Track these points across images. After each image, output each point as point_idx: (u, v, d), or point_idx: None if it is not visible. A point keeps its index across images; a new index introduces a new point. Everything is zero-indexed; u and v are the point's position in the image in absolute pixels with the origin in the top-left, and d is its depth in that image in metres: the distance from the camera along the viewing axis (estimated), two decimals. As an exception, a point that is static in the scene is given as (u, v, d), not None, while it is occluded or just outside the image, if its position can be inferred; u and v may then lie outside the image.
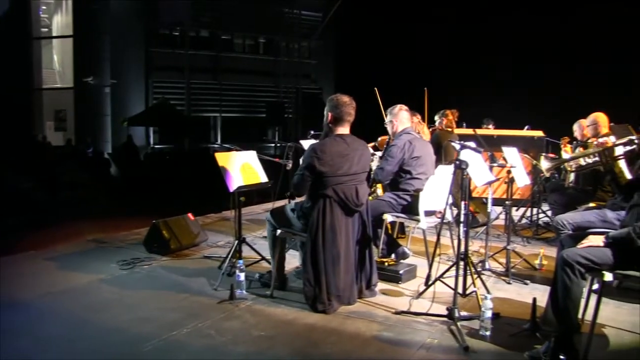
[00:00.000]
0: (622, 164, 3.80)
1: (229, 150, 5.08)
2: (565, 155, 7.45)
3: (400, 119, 5.37)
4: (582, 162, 5.03)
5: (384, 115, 5.70)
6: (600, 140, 4.00)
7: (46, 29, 23.02)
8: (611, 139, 3.96)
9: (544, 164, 6.36)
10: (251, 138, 21.13)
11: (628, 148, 3.85)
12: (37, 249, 6.63)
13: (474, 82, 17.20)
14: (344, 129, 4.32)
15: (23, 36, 21.71)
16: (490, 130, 10.26)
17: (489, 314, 3.77)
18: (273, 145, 22.03)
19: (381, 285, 4.74)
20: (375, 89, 7.19)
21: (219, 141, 22.43)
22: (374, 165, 5.42)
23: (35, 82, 22.25)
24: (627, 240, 3.32)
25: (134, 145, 18.57)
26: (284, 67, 23.49)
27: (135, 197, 13.13)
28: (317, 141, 4.46)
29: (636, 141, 3.95)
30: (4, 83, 21.40)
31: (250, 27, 23.24)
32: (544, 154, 7.31)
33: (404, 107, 5.44)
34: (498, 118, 11.20)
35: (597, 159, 4.03)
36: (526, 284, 4.95)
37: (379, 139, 6.78)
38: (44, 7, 22.72)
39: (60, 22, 22.58)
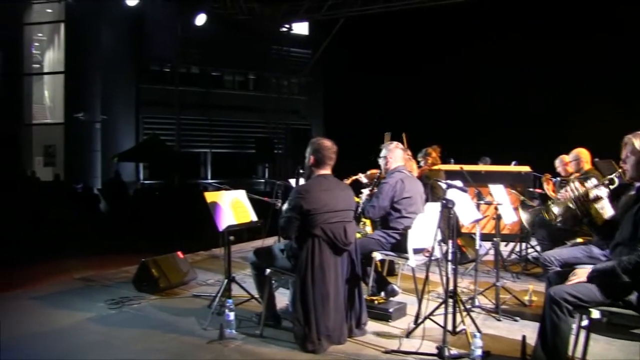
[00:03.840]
0: (599, 204, 3.85)
1: (219, 189, 5.10)
2: (548, 190, 7.51)
3: (395, 156, 5.41)
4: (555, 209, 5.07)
5: (409, 155, 5.69)
6: (574, 185, 4.06)
7: (38, 65, 23.13)
8: (591, 182, 4.01)
9: (524, 216, 6.41)
10: (241, 174, 21.24)
11: (603, 190, 3.90)
12: (21, 287, 6.55)
13: (461, 118, 17.45)
14: (326, 171, 4.40)
15: (15, 72, 21.83)
16: (477, 166, 10.36)
17: (479, 352, 3.77)
18: (263, 181, 22.13)
19: (371, 324, 4.73)
20: (404, 134, 7.21)
21: (209, 177, 22.44)
22: (363, 198, 5.43)
23: (25, 117, 22.27)
24: (611, 275, 3.34)
25: (121, 180, 18.51)
26: (274, 103, 23.65)
27: (124, 234, 13.04)
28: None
29: (606, 182, 4.02)
30: (2, 118, 21.52)
31: (240, 63, 23.46)
32: (522, 198, 7.38)
33: (400, 145, 5.50)
34: (482, 153, 11.33)
35: (571, 205, 4.08)
36: (516, 320, 4.96)
37: (369, 171, 6.81)
38: (36, 44, 22.87)
39: (52, 58, 22.70)
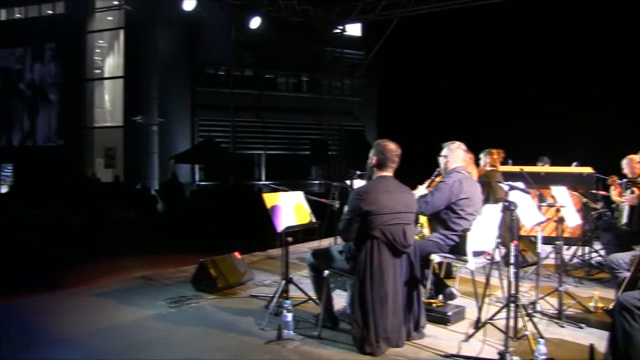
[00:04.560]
0: None
1: (275, 190, 5.12)
2: (614, 195, 7.24)
3: (455, 156, 5.29)
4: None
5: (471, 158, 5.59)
6: None
7: (99, 71, 23.91)
8: None
9: None
10: (295, 175, 21.36)
11: None
12: (84, 284, 6.77)
13: (518, 117, 17.04)
14: (387, 173, 4.37)
15: (78, 78, 22.64)
16: (537, 168, 10.08)
17: (542, 358, 3.65)
18: (317, 183, 22.19)
19: (429, 327, 4.65)
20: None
21: (263, 178, 22.63)
22: (418, 194, 5.34)
23: (87, 121, 23.06)
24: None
25: (178, 182, 18.89)
26: (327, 105, 23.69)
27: (181, 234, 13.30)
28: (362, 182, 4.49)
29: None
30: (62, 122, 22.38)
31: (293, 66, 23.62)
32: (584, 200, 7.13)
33: (462, 145, 5.38)
34: (541, 154, 11.02)
35: None
36: (581, 327, 4.78)
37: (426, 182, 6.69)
38: (97, 50, 23.66)
39: (112, 63, 23.46)
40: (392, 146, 4.37)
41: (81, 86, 22.89)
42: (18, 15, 24.26)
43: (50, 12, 23.34)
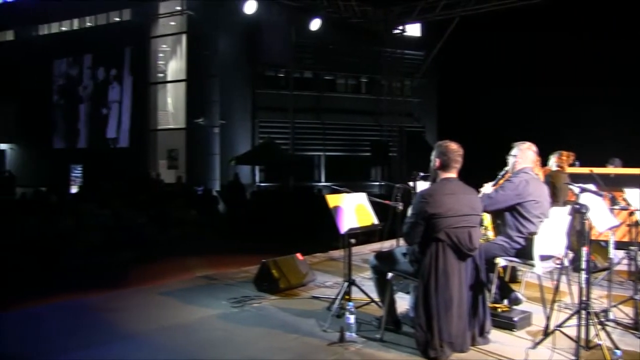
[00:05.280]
0: None
1: (339, 191, 5.11)
2: None
3: (525, 157, 5.14)
4: None
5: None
6: None
7: (162, 74, 24.58)
8: None
9: None
10: (354, 177, 21.35)
11: None
12: (148, 282, 6.95)
13: (584, 118, 16.49)
14: (451, 174, 4.29)
15: (143, 82, 23.40)
16: (606, 169, 9.71)
17: (619, 370, 3.49)
18: (377, 184, 22.10)
19: (494, 333, 4.54)
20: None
21: (322, 180, 22.68)
22: (483, 191, 5.22)
23: (150, 123, 23.72)
24: None
25: (240, 183, 19.18)
26: (386, 106, 23.57)
27: (242, 235, 13.47)
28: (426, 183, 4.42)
29: None
30: (128, 124, 23.16)
31: (353, 67, 23.63)
32: None
33: (533, 146, 5.23)
34: (611, 155, 10.61)
35: None
36: (660, 339, 4.55)
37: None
38: (161, 55, 24.31)
39: (175, 67, 24.06)
40: (454, 146, 4.30)
41: (146, 90, 23.58)
42: (89, 24, 25.26)
43: (117, 19, 24.17)
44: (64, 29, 25.94)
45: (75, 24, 25.52)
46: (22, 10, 25.91)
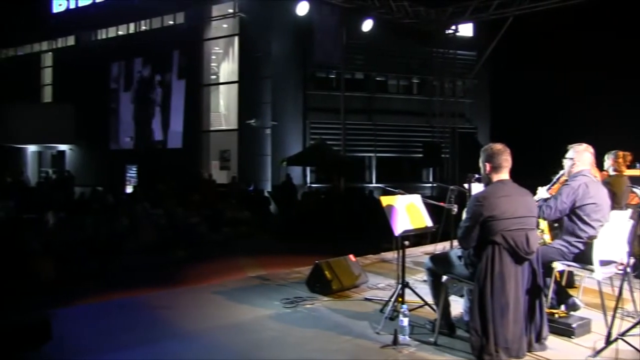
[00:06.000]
0: None
1: (392, 193, 5.07)
2: None
3: (583, 159, 5.00)
4: None
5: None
6: None
7: (215, 76, 24.96)
8: None
9: None
10: (406, 178, 21.16)
11: None
12: (201, 281, 7.06)
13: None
14: (504, 175, 4.24)
15: (196, 84, 23.83)
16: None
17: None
18: (429, 186, 21.86)
19: (551, 339, 4.43)
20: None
21: (374, 181, 22.58)
22: (539, 196, 5.09)
23: (203, 125, 24.13)
24: None
25: (292, 184, 19.29)
26: (438, 107, 23.29)
27: (294, 235, 13.56)
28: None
29: None
30: (182, 126, 23.64)
31: (404, 68, 23.47)
32: None
33: (590, 148, 5.07)
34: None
35: None
36: None
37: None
38: (213, 57, 24.70)
39: (227, 69, 24.41)
40: (499, 147, 4.26)
41: (199, 91, 23.99)
42: (144, 28, 25.90)
43: (171, 22, 24.67)
44: (120, 33, 26.66)
45: (132, 27, 26.20)
46: (83, 16, 26.77)
